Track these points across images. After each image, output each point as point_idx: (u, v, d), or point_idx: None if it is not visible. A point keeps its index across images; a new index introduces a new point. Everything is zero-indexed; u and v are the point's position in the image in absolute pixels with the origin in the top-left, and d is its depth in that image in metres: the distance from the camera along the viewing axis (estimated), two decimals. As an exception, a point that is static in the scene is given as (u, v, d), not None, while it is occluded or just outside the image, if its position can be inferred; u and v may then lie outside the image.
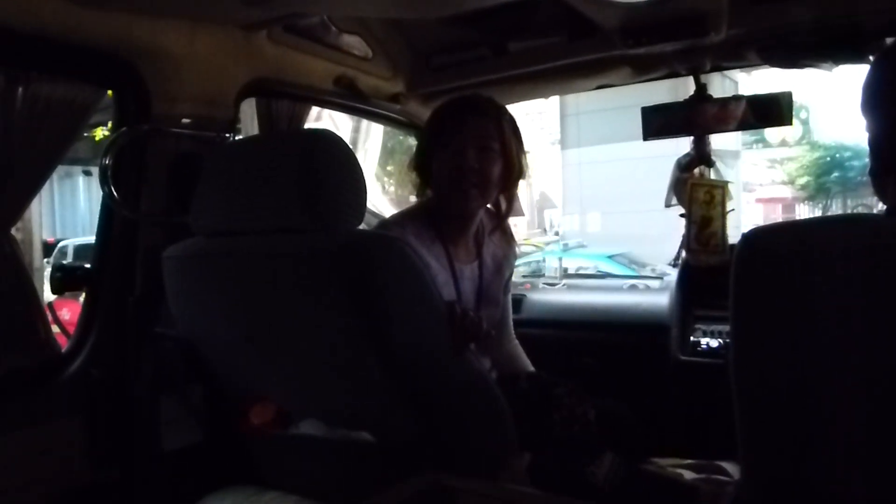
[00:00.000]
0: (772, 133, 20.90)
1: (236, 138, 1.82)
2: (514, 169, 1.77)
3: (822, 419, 0.83)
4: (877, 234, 0.81)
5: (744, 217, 16.29)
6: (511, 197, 1.86)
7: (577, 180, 16.45)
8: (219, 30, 1.70)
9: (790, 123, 2.09)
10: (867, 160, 1.02)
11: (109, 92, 1.68)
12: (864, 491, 0.83)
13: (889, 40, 1.72)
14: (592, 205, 15.97)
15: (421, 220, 1.76)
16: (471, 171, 1.69)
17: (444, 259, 1.75)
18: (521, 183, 1.87)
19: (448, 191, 1.73)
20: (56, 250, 10.95)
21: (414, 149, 1.91)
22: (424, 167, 1.80)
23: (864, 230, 0.83)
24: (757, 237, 0.88)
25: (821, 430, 0.84)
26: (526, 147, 1.83)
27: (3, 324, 1.62)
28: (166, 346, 1.59)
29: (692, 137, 2.22)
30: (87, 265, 1.75)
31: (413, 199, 1.94)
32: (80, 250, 10.38)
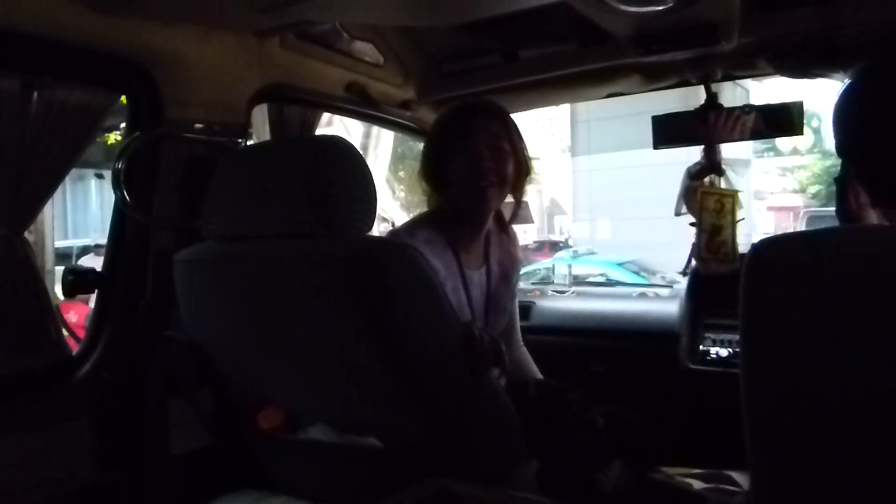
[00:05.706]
0: (783, 142, 20.83)
1: (248, 143, 1.83)
2: (523, 167, 1.79)
3: (832, 429, 0.83)
4: (885, 242, 0.81)
5: (757, 225, 16.22)
6: (520, 198, 1.88)
7: (588, 187, 16.46)
8: (232, 36, 1.72)
9: (801, 133, 2.08)
10: None
11: (123, 98, 1.69)
12: (874, 501, 0.83)
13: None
14: (602, 212, 15.96)
15: (431, 227, 1.76)
16: (488, 170, 1.70)
17: (455, 265, 1.75)
18: (532, 189, 1.87)
19: (466, 192, 1.73)
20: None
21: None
22: (434, 174, 1.81)
23: (872, 238, 0.83)
24: (766, 246, 0.88)
25: (830, 439, 0.83)
26: (535, 153, 1.83)
27: (15, 326, 1.62)
28: (176, 349, 1.59)
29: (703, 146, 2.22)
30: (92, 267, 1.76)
31: (424, 203, 1.95)
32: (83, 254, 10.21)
